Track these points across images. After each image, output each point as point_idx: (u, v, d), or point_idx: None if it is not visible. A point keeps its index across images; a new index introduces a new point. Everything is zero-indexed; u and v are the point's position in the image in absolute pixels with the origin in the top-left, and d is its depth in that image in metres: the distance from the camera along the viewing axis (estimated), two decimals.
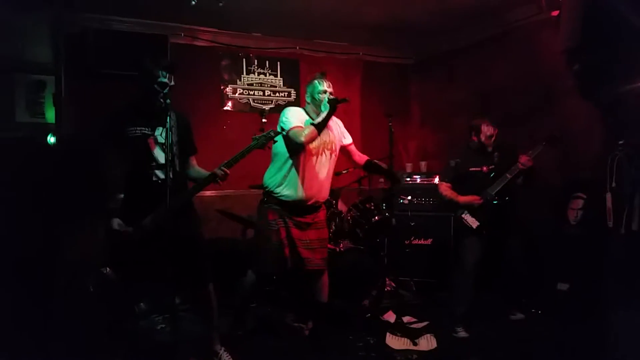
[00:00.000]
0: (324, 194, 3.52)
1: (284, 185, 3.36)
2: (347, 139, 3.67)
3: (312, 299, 3.60)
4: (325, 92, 3.40)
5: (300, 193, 3.35)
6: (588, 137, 4.24)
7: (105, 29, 4.75)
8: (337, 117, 6.09)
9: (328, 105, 3.28)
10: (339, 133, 3.62)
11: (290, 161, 3.36)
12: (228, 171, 2.95)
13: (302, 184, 3.36)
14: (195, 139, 3.21)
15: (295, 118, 3.33)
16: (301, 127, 3.29)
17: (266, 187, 3.46)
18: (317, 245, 3.47)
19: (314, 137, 3.29)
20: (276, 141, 3.16)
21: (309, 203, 3.42)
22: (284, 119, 3.35)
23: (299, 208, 3.40)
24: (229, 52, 5.54)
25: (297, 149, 3.32)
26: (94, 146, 3.23)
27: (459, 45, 5.70)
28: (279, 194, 3.38)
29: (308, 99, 3.49)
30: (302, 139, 3.23)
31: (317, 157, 3.41)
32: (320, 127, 3.29)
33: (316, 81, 3.44)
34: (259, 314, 4.08)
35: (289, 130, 3.27)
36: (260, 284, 3.58)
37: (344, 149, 3.65)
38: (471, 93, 5.43)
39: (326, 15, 4.97)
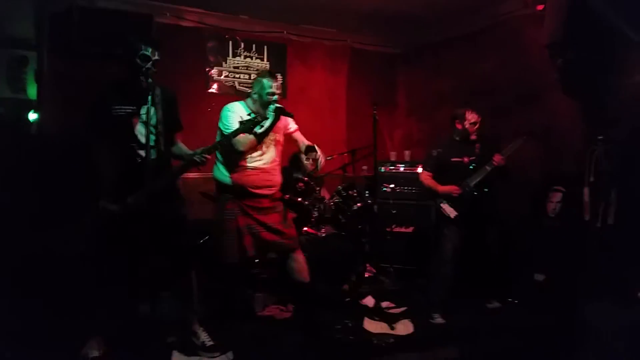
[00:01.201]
0: (276, 180, 3.56)
1: (233, 174, 3.42)
2: (292, 126, 3.66)
3: (293, 280, 3.59)
4: (273, 94, 3.39)
5: (249, 182, 3.40)
6: (569, 132, 4.31)
7: (90, 7, 4.65)
8: (323, 104, 6.11)
9: (273, 114, 3.33)
10: (284, 123, 3.58)
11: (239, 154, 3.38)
12: (208, 157, 2.96)
13: (251, 174, 3.41)
14: (181, 116, 3.19)
15: (234, 121, 3.31)
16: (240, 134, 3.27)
17: (216, 179, 3.52)
18: (280, 227, 3.50)
19: (253, 146, 3.35)
20: (262, 126, 3.17)
21: (262, 191, 3.46)
22: (224, 121, 3.37)
23: (252, 196, 3.44)
24: (215, 34, 5.48)
25: (238, 153, 3.36)
26: (77, 125, 3.20)
27: (447, 37, 5.73)
28: (229, 183, 3.43)
29: (253, 95, 3.46)
30: (241, 148, 3.31)
31: (261, 151, 3.45)
32: (261, 137, 3.35)
33: (265, 80, 3.40)
34: (240, 297, 4.08)
35: (230, 135, 3.22)
36: (230, 271, 3.61)
37: (289, 136, 3.66)
38: (457, 84, 5.46)
39: (315, 0, 4.94)
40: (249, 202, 3.44)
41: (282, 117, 3.48)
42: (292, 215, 3.68)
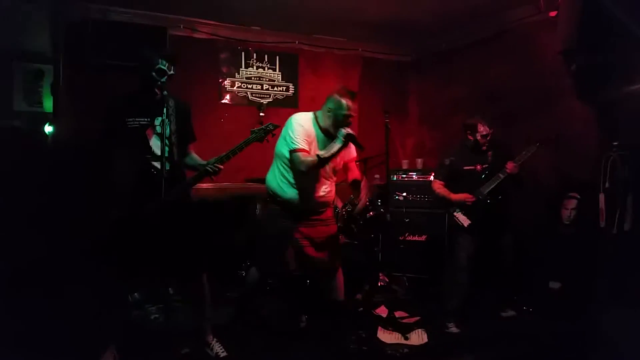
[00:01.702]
0: (329, 196, 3.48)
1: (289, 189, 3.33)
2: (352, 154, 3.54)
3: (329, 299, 3.56)
4: (349, 117, 3.24)
5: (304, 198, 3.33)
6: (583, 138, 4.27)
7: (105, 20, 4.74)
8: None
9: (343, 140, 3.16)
10: (348, 150, 3.42)
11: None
12: (221, 167, 2.97)
13: (306, 190, 3.32)
14: (194, 127, 3.22)
15: (301, 137, 3.21)
16: (306, 152, 3.20)
17: (270, 189, 3.44)
18: (325, 243, 3.45)
19: (315, 167, 3.22)
20: (274, 134, 3.16)
21: (314, 207, 3.40)
22: (290, 134, 3.23)
23: (303, 211, 3.38)
24: (228, 45, 5.54)
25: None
26: (92, 137, 3.24)
27: (458, 44, 5.71)
28: (283, 197, 3.34)
29: (326, 110, 3.29)
30: (302, 167, 3.18)
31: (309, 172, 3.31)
32: (325, 162, 3.20)
33: (343, 101, 3.23)
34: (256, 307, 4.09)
35: (293, 151, 3.19)
36: (263, 281, 3.58)
37: (344, 164, 3.53)
38: (469, 92, 5.44)
39: (326, 10, 4.98)
40: (299, 217, 3.38)
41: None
42: (336, 230, 3.61)
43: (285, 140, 3.27)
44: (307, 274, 3.94)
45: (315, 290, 3.93)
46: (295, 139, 3.20)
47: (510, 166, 3.81)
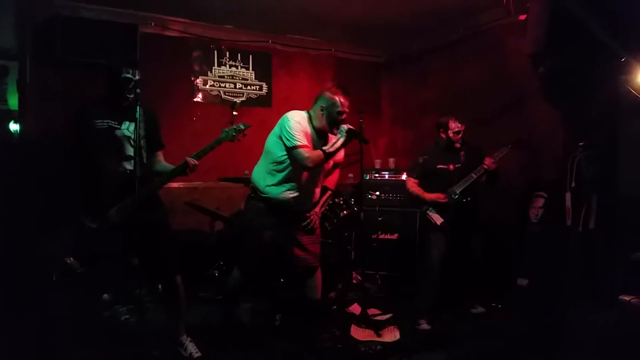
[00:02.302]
0: (316, 196, 3.48)
1: (275, 187, 3.29)
2: (341, 155, 3.50)
3: (305, 296, 3.55)
4: (344, 114, 3.22)
5: (292, 197, 3.30)
6: (551, 139, 4.38)
7: (74, 16, 4.63)
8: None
9: (345, 135, 3.15)
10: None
11: (289, 168, 3.25)
12: (197, 162, 2.95)
13: (295, 189, 3.30)
14: (162, 133, 3.20)
15: (300, 133, 3.17)
16: (308, 148, 3.16)
17: (255, 184, 3.39)
18: (307, 242, 3.45)
19: (321, 162, 3.19)
20: (246, 134, 3.14)
21: (299, 206, 3.39)
22: (288, 131, 3.16)
23: (288, 210, 3.35)
24: (200, 44, 5.49)
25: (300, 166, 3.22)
26: (59, 136, 3.18)
27: (430, 46, 5.79)
28: (268, 194, 3.31)
29: (319, 109, 3.26)
30: (308, 163, 3.14)
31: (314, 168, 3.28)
32: (330, 156, 3.19)
33: (337, 98, 3.21)
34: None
35: (294, 148, 3.14)
36: (246, 280, 3.53)
37: (334, 163, 3.52)
38: (441, 93, 5.53)
39: (299, 10, 4.98)
40: (283, 215, 3.34)
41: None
42: (318, 230, 3.59)
43: (282, 137, 3.20)
44: (286, 271, 3.93)
45: (291, 288, 3.94)
46: (295, 136, 3.14)
47: (488, 161, 3.87)
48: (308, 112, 3.34)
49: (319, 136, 3.32)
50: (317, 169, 3.27)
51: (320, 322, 3.64)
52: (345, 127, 3.18)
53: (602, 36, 3.65)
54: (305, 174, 3.28)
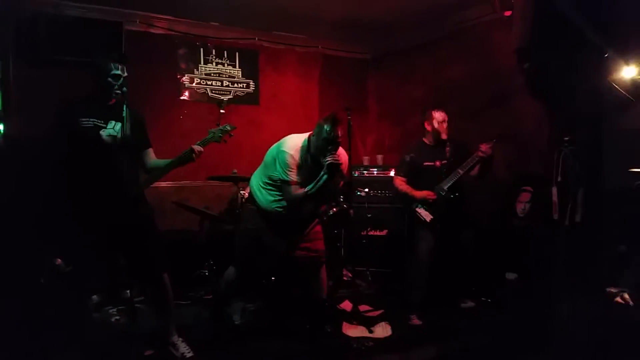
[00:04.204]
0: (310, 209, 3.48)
1: (271, 202, 3.34)
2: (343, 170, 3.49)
3: (310, 297, 3.57)
4: (330, 142, 3.15)
5: (285, 212, 3.34)
6: (536, 134, 4.43)
7: (58, 14, 4.56)
8: (296, 109, 6.11)
9: (327, 171, 3.14)
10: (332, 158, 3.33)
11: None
12: (202, 149, 2.97)
13: (288, 207, 3.33)
14: (150, 131, 3.17)
15: (292, 169, 3.22)
16: (295, 185, 3.22)
17: (252, 193, 3.44)
18: (306, 241, 3.47)
19: (300, 201, 3.26)
20: (232, 135, 3.12)
21: (294, 219, 3.42)
22: (281, 166, 3.22)
23: (289, 221, 3.40)
24: (186, 41, 5.43)
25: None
26: (44, 135, 3.14)
27: (417, 42, 5.81)
28: (264, 207, 3.36)
29: (314, 135, 3.26)
30: (288, 200, 3.25)
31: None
32: (312, 195, 3.23)
33: (325, 126, 3.16)
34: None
35: (284, 182, 3.22)
36: (242, 280, 3.53)
37: None
38: (427, 89, 5.56)
39: (286, 7, 4.97)
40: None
41: None
42: (319, 227, 3.60)
43: (277, 167, 3.25)
44: (288, 271, 3.96)
45: (286, 287, 3.95)
46: (287, 172, 3.21)
47: (484, 147, 3.83)
48: (309, 137, 3.33)
49: (314, 162, 3.28)
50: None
51: (318, 321, 3.63)
52: (328, 160, 3.14)
53: (587, 32, 3.71)
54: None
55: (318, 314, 3.63)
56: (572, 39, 3.78)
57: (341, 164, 3.23)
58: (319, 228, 3.59)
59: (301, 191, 3.23)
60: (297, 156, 3.25)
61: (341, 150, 3.36)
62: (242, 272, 3.48)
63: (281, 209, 3.34)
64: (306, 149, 3.28)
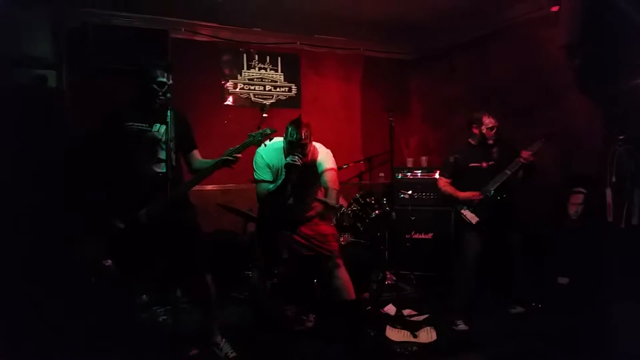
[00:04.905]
0: (311, 206, 3.60)
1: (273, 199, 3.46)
2: (324, 165, 3.46)
3: (339, 300, 3.55)
4: (295, 144, 3.27)
5: (285, 208, 3.49)
6: (588, 133, 4.26)
7: (106, 24, 4.75)
8: (338, 112, 6.11)
9: (285, 171, 3.30)
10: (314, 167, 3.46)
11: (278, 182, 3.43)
12: (239, 155, 3.00)
13: (288, 205, 3.49)
14: (194, 134, 3.25)
15: (260, 168, 3.42)
16: (263, 182, 3.41)
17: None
18: (313, 243, 3.53)
19: (266, 199, 3.43)
20: (272, 139, 3.18)
21: (295, 217, 3.55)
22: (254, 165, 3.45)
23: (287, 219, 3.54)
24: (229, 47, 5.54)
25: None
26: (94, 140, 3.25)
27: (459, 41, 5.70)
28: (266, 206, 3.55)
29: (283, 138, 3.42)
30: (257, 195, 3.46)
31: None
32: (277, 193, 3.37)
33: (289, 128, 3.31)
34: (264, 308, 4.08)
35: (255, 181, 3.44)
36: (263, 279, 3.63)
37: (321, 175, 3.47)
38: (471, 89, 5.44)
39: (326, 10, 4.98)
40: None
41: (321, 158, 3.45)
42: (330, 230, 3.68)
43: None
44: (305, 274, 4.00)
45: (324, 290, 3.94)
46: (255, 171, 3.44)
47: (525, 154, 3.76)
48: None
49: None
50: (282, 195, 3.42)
51: (355, 323, 3.60)
52: (288, 159, 3.27)
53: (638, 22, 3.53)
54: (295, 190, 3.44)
55: (354, 316, 3.61)
56: (624, 32, 3.61)
57: (299, 165, 3.27)
58: (330, 230, 3.65)
59: (264, 188, 3.40)
60: (269, 157, 3.43)
61: (320, 147, 3.51)
62: (265, 274, 3.59)
63: (286, 208, 3.50)
64: (282, 150, 3.44)
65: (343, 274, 3.55)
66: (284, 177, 3.33)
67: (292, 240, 3.54)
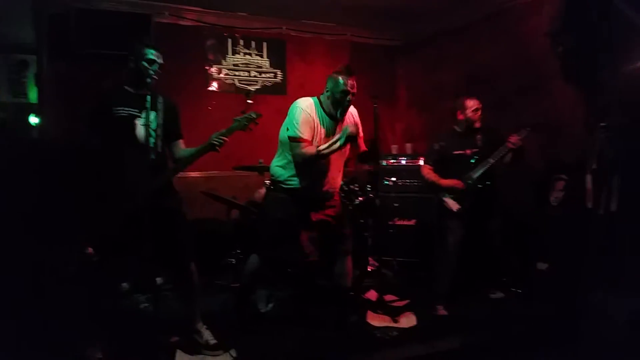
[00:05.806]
0: (337, 182, 3.42)
1: (294, 177, 3.26)
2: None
3: (335, 285, 3.52)
4: (347, 93, 3.08)
5: (311, 184, 3.26)
6: (570, 120, 4.28)
7: (88, 8, 4.67)
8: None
9: (344, 139, 3.03)
10: (354, 126, 3.16)
11: None
12: (226, 139, 2.95)
13: (313, 175, 3.24)
14: (182, 116, 3.21)
15: (304, 124, 3.10)
16: (307, 142, 3.09)
17: (274, 177, 3.37)
18: (333, 228, 3.43)
19: (310, 161, 3.13)
20: (257, 123, 3.10)
21: (321, 196, 3.34)
22: (292, 119, 3.12)
23: (310, 199, 3.31)
24: (214, 32, 5.48)
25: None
26: (78, 127, 3.21)
27: (446, 28, 5.69)
28: (293, 185, 3.28)
29: (327, 92, 3.19)
30: (298, 159, 3.13)
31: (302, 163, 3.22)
32: (322, 157, 3.13)
33: (340, 78, 3.09)
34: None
35: (293, 138, 3.11)
36: (264, 269, 3.51)
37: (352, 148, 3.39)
38: (458, 76, 5.44)
39: None
40: (306, 204, 3.31)
41: (353, 122, 3.24)
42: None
43: (289, 126, 3.16)
44: (316, 259, 3.90)
45: (311, 276, 3.95)
46: (298, 127, 3.09)
47: (513, 139, 3.73)
48: (319, 98, 3.28)
49: (332, 119, 3.24)
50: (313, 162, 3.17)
51: (337, 309, 3.62)
52: (348, 129, 3.03)
53: (624, 11, 3.54)
54: (324, 162, 3.22)
55: (343, 303, 3.62)
56: (607, 19, 3.62)
57: (358, 135, 3.11)
58: (342, 214, 3.52)
59: (313, 150, 3.09)
60: (310, 111, 3.16)
61: (353, 110, 3.32)
62: (267, 261, 3.47)
63: (298, 185, 3.26)
64: (319, 107, 3.22)
65: (350, 261, 3.52)
66: (341, 142, 3.04)
67: (314, 221, 3.33)
